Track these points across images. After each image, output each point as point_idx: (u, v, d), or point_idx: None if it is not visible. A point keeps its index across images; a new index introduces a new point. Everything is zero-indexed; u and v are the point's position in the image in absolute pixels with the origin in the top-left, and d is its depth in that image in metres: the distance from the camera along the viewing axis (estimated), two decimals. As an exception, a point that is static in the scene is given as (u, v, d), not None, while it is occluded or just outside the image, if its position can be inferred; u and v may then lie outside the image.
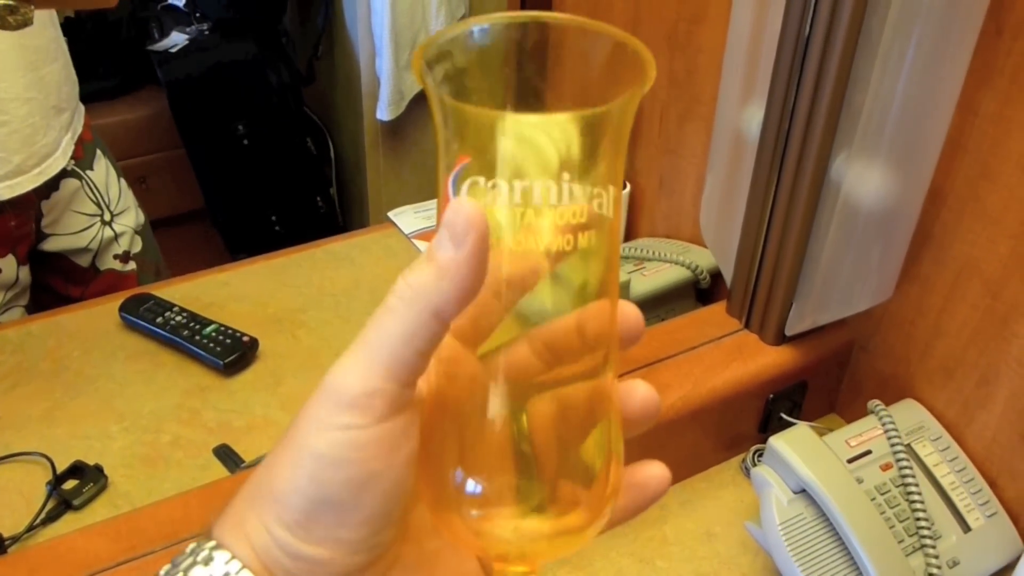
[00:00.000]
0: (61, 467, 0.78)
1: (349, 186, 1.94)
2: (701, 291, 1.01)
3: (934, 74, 0.65)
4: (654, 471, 0.32)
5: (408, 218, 1.14)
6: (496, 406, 0.28)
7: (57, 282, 1.09)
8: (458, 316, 0.27)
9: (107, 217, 1.08)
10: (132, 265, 1.12)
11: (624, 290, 0.93)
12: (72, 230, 1.05)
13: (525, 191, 0.27)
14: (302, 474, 0.27)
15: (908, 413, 0.77)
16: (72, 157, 1.02)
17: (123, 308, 0.96)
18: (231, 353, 0.90)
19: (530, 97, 0.30)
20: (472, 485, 0.28)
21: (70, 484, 0.77)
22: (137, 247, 1.13)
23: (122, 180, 1.12)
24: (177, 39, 1.61)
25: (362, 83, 1.73)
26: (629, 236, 1.12)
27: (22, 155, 0.94)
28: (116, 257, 1.11)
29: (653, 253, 0.99)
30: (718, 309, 0.86)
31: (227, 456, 0.82)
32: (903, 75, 0.65)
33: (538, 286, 0.28)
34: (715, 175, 0.86)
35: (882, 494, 0.70)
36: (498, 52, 0.29)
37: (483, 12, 1.80)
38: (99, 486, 0.78)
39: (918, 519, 0.69)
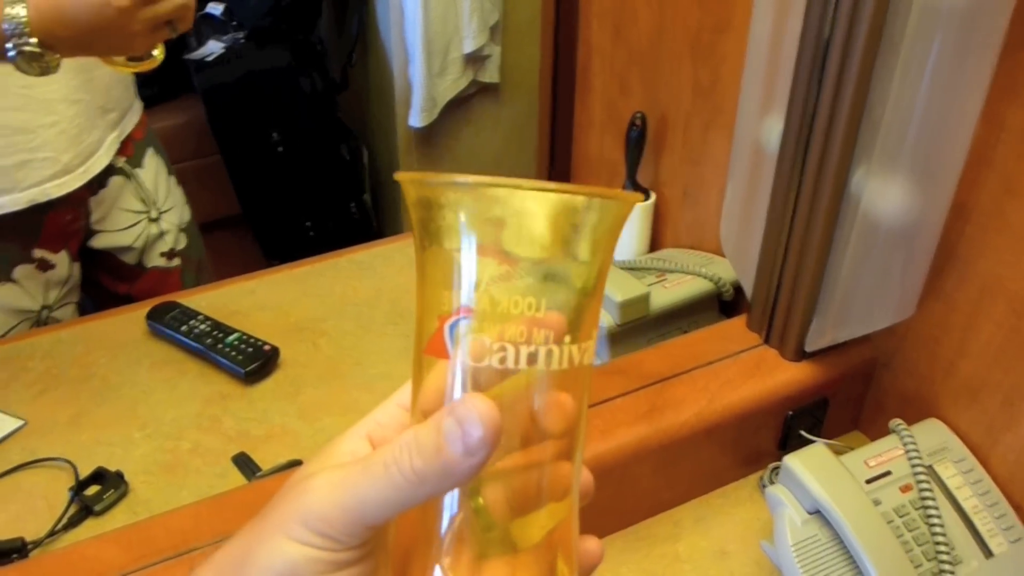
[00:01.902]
0: (84, 473, 0.80)
1: (383, 192, 1.95)
2: (724, 303, 0.99)
3: (955, 85, 0.64)
4: (589, 547, 0.33)
5: (433, 227, 1.14)
6: (452, 495, 0.30)
7: (106, 279, 1.11)
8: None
9: (154, 215, 1.11)
10: (177, 261, 1.15)
11: (645, 302, 0.92)
12: (119, 227, 1.08)
13: (531, 356, 0.28)
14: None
15: (931, 433, 0.75)
16: (122, 155, 1.04)
17: (150, 316, 0.98)
18: (252, 362, 0.92)
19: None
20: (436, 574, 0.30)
21: (92, 490, 0.79)
22: (182, 244, 1.15)
23: (172, 178, 1.15)
24: (213, 48, 1.64)
25: (395, 90, 1.74)
26: (653, 247, 1.11)
27: (70, 154, 0.97)
28: (162, 255, 1.13)
29: (675, 265, 0.98)
30: (738, 323, 0.85)
31: (245, 464, 0.83)
32: (923, 86, 0.63)
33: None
34: (735, 187, 0.85)
35: (900, 516, 0.68)
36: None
37: (516, 18, 1.81)
38: (119, 492, 0.79)
39: (937, 543, 0.67)
